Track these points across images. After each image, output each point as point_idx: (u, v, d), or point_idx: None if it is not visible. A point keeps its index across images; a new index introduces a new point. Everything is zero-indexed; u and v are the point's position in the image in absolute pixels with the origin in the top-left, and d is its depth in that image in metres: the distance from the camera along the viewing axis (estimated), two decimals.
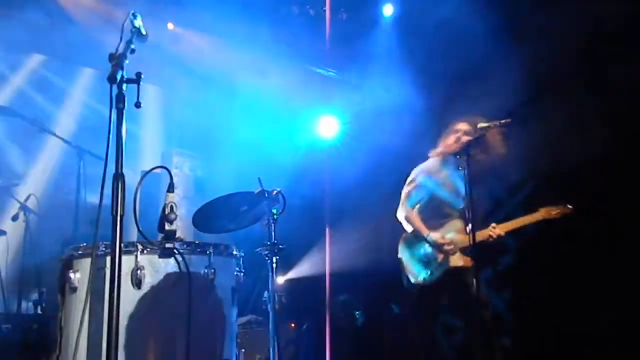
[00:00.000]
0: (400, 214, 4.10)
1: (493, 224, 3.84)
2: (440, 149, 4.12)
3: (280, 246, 3.14)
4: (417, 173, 4.13)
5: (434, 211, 4.02)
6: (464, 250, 3.90)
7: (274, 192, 3.15)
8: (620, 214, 4.24)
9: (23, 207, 4.76)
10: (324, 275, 5.66)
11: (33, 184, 5.20)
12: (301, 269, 5.79)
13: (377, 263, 5.51)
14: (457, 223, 3.98)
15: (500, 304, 4.96)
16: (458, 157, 3.59)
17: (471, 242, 3.39)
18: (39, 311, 4.67)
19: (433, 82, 5.01)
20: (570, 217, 3.88)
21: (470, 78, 5.02)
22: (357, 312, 5.59)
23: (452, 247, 3.89)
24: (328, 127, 5.99)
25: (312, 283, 5.74)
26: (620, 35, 4.23)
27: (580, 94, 4.43)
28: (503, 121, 3.62)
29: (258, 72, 5.62)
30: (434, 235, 3.91)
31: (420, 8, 5.10)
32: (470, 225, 3.81)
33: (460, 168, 3.77)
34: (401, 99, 5.34)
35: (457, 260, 3.89)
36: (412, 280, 3.94)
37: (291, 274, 5.76)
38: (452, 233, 3.93)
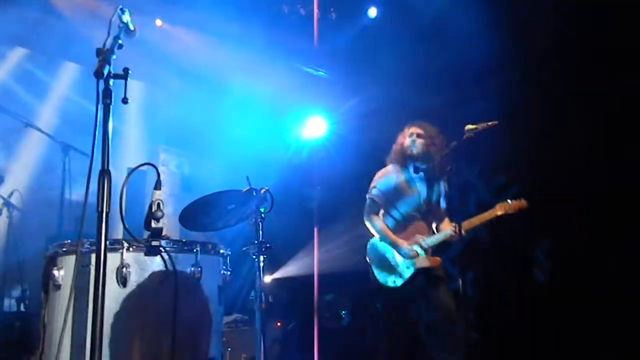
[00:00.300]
0: (367, 221, 4.14)
1: (454, 224, 3.89)
2: (396, 154, 4.19)
3: (268, 245, 3.13)
4: (378, 180, 4.18)
5: (398, 215, 4.08)
6: (428, 251, 3.98)
7: (262, 191, 3.13)
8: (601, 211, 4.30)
9: (6, 203, 4.68)
10: (311, 275, 5.65)
11: (17, 180, 5.12)
12: (289, 269, 5.78)
13: (364, 263, 5.53)
14: (421, 224, 4.06)
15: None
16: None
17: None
18: (22, 309, 4.61)
19: (420, 82, 5.03)
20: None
21: (458, 78, 5.06)
22: (343, 312, 5.59)
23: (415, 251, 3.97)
24: (317, 126, 5.98)
25: (298, 282, 5.74)
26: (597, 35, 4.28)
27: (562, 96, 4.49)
28: (490, 123, 3.66)
29: (247, 70, 5.60)
30: (406, 247, 3.96)
31: (404, 9, 5.11)
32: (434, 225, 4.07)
33: (418, 171, 4.05)
34: (390, 99, 5.35)
35: (423, 262, 3.95)
36: (382, 282, 4.03)
37: (279, 273, 5.76)
38: (418, 238, 3.99)
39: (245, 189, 3.10)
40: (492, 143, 4.00)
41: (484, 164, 4.85)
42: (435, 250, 4.06)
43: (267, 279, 5.52)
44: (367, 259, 4.16)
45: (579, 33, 4.37)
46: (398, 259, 3.99)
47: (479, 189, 4.23)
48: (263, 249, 3.08)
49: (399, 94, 5.21)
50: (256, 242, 3.10)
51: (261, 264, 3.09)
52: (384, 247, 4.05)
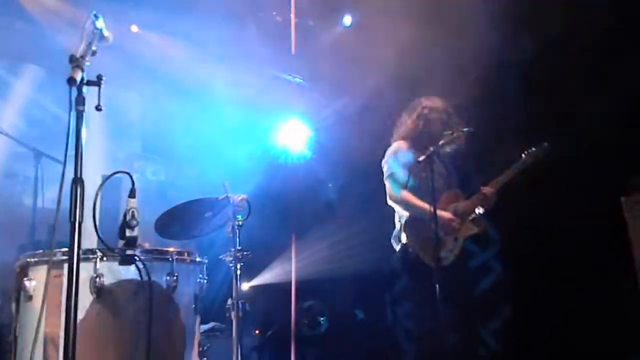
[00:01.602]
0: (396, 197, 3.83)
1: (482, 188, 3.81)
2: (405, 131, 4.00)
3: (245, 253, 3.11)
4: (392, 156, 3.93)
5: (424, 188, 3.71)
6: (469, 217, 3.81)
7: (239, 198, 3.12)
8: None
9: None
10: (290, 282, 5.64)
11: None
12: (267, 276, 5.75)
13: (342, 270, 5.54)
14: (450, 195, 3.89)
15: None
16: (419, 162, 3.55)
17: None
18: None
19: (399, 85, 5.05)
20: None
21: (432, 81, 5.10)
22: (321, 319, 5.59)
23: (457, 220, 3.79)
24: (296, 133, 5.98)
25: (277, 290, 5.72)
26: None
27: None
28: (466, 130, 3.70)
29: (224, 77, 5.58)
30: (444, 214, 3.72)
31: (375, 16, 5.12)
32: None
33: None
34: (369, 103, 5.37)
35: (469, 229, 3.80)
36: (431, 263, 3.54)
37: (256, 281, 5.72)
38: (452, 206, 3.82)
39: (222, 197, 3.09)
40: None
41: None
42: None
43: (245, 286, 5.48)
44: (404, 242, 3.80)
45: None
46: (446, 232, 3.71)
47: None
48: (240, 257, 3.06)
49: (377, 99, 5.23)
50: (233, 249, 3.08)
51: (238, 272, 3.07)
52: (424, 224, 3.62)
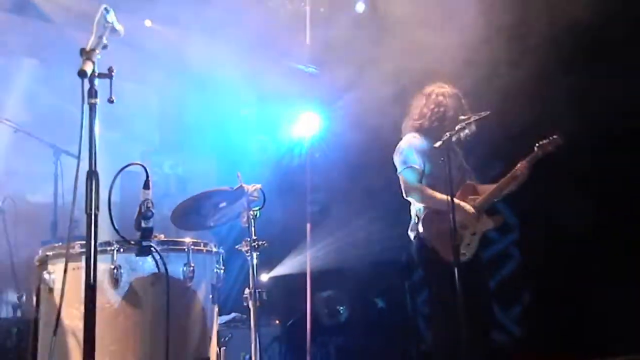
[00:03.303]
0: (412, 190, 3.77)
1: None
2: (418, 120, 3.92)
3: (261, 242, 3.11)
4: (407, 148, 3.85)
5: (443, 177, 3.54)
6: (486, 210, 3.77)
7: (254, 188, 3.11)
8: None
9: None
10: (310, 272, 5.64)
11: (8, 186, 5.03)
12: (285, 266, 5.77)
13: (361, 258, 5.53)
14: (467, 187, 3.84)
15: None
16: (436, 147, 3.50)
17: None
18: (19, 314, 4.59)
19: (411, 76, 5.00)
20: None
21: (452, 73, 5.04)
22: (341, 308, 5.58)
23: (475, 214, 3.73)
24: (309, 123, 5.96)
25: (297, 280, 5.73)
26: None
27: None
28: (482, 114, 3.64)
29: (238, 68, 5.58)
30: (463, 205, 3.67)
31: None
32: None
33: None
34: (383, 95, 5.32)
35: (487, 223, 3.75)
36: (449, 258, 3.46)
37: (276, 271, 5.74)
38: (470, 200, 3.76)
39: (237, 187, 3.09)
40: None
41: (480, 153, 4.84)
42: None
43: (265, 277, 5.50)
44: (420, 236, 3.73)
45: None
46: (464, 225, 3.64)
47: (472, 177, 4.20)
48: (256, 246, 3.06)
49: (392, 88, 5.18)
50: (249, 239, 3.08)
51: (254, 262, 3.07)
52: (443, 218, 3.44)
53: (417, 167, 3.80)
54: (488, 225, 3.78)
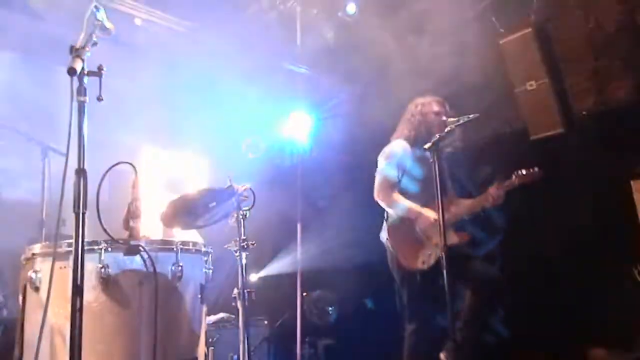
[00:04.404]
0: (381, 194, 3.90)
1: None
2: (403, 129, 4.07)
3: (250, 242, 3.10)
4: (390, 151, 4.00)
5: (416, 192, 3.86)
6: (454, 226, 3.80)
7: (244, 188, 3.11)
8: None
9: None
10: (296, 272, 5.64)
11: None
12: (275, 266, 5.76)
13: (351, 259, 5.53)
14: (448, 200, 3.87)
15: None
16: (426, 149, 3.53)
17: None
18: (4, 314, 4.54)
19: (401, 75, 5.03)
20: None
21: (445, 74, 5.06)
22: (330, 308, 5.59)
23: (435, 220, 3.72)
24: (300, 123, 5.96)
25: (286, 280, 5.73)
26: None
27: None
28: (472, 116, 3.66)
29: (228, 68, 5.56)
30: (429, 214, 3.74)
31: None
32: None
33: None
34: (373, 94, 5.34)
35: (452, 238, 3.74)
36: (410, 266, 3.76)
37: (265, 271, 5.74)
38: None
39: (226, 186, 3.08)
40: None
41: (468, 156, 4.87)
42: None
43: (253, 277, 5.50)
44: (387, 244, 3.88)
45: None
46: (428, 235, 3.74)
47: (462, 181, 4.22)
48: (245, 246, 3.06)
49: (384, 88, 5.20)
50: (238, 239, 3.07)
51: (244, 262, 3.07)
52: (402, 227, 3.74)
53: (393, 174, 3.92)
54: (452, 240, 3.71)
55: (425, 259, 3.76)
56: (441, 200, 3.28)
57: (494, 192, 3.77)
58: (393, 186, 3.90)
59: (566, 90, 4.62)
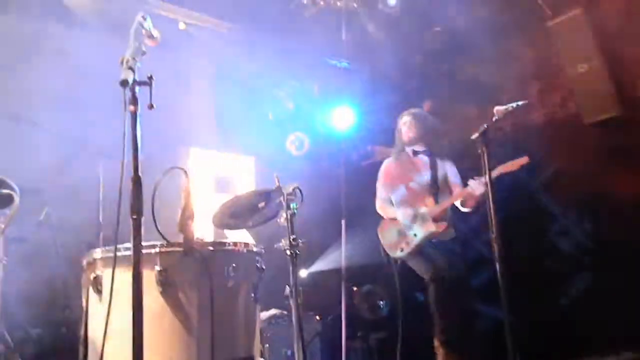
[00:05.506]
0: (384, 214, 4.52)
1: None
2: (395, 142, 4.56)
3: (300, 241, 3.13)
4: (378, 178, 4.59)
5: (411, 198, 4.36)
6: (436, 218, 4.19)
7: (291, 187, 3.14)
8: None
9: (47, 213, 4.70)
10: (347, 267, 5.64)
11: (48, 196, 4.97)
12: (323, 262, 5.79)
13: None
14: (429, 199, 4.30)
15: None
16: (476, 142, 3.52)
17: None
18: (67, 315, 4.71)
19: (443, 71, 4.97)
20: None
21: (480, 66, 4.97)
22: (381, 302, 5.57)
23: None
24: (343, 118, 5.95)
25: (336, 276, 5.74)
26: None
27: None
28: (521, 103, 3.58)
29: (271, 66, 5.60)
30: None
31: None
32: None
33: (417, 154, 4.40)
34: (414, 88, 5.28)
35: (430, 227, 4.16)
36: (391, 254, 4.35)
37: (314, 267, 5.77)
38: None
39: (275, 187, 3.11)
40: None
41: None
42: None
43: (303, 273, 5.53)
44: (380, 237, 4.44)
45: None
46: (405, 226, 4.26)
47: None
48: (295, 245, 3.09)
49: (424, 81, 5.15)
50: (288, 238, 3.11)
51: (294, 259, 3.10)
52: (387, 223, 4.42)
53: (382, 195, 4.56)
54: (431, 228, 4.16)
55: (403, 245, 4.29)
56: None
57: (472, 184, 3.97)
58: (385, 202, 4.52)
59: (622, 71, 4.44)
